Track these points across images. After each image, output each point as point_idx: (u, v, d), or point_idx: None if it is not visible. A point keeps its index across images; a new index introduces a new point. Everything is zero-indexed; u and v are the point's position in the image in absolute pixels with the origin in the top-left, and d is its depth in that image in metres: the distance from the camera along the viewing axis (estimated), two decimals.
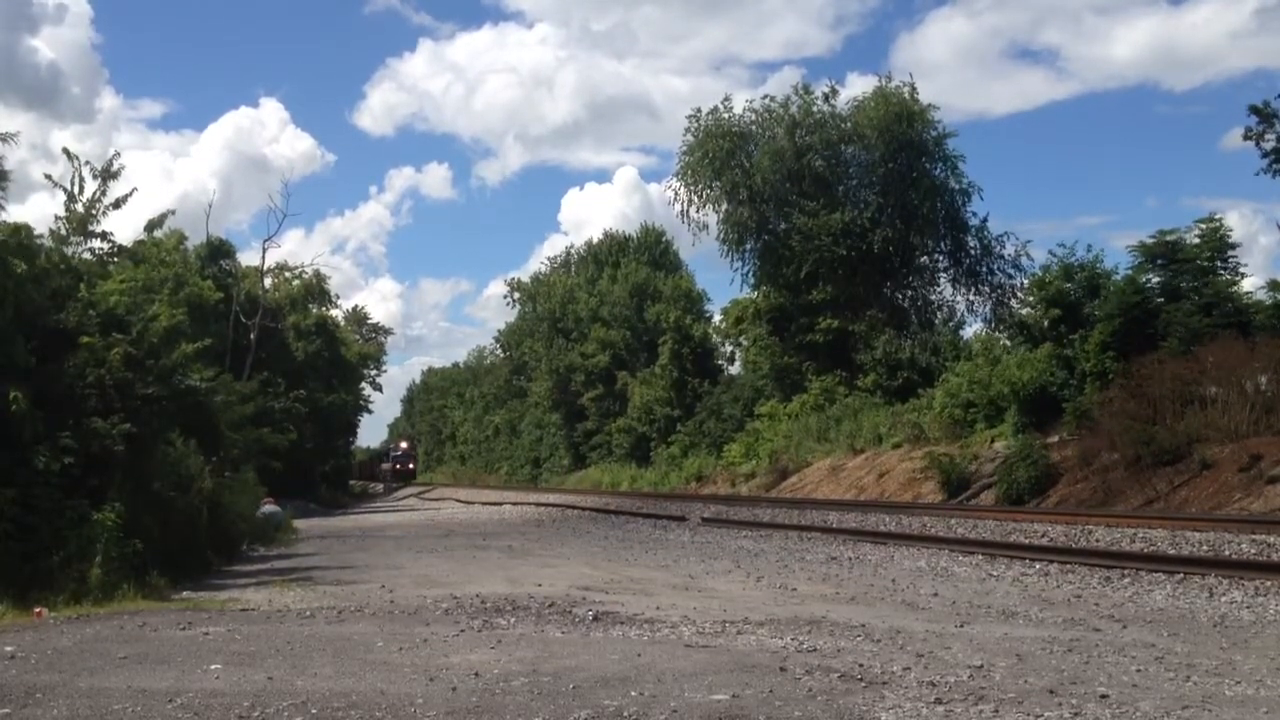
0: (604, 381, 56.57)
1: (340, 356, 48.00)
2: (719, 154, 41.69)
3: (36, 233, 11.75)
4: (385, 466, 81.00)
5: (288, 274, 45.04)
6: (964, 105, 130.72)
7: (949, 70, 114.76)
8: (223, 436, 14.87)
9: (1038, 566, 11.71)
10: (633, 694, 5.41)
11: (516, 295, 77.45)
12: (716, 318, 53.87)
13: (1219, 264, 23.40)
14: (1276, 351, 19.13)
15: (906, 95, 40.57)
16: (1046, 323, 25.32)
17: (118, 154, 13.23)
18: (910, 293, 42.30)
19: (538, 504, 32.81)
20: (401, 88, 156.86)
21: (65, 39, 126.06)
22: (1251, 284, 24.42)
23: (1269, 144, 24.17)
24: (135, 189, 12.99)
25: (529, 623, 8.16)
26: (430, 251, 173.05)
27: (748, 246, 42.04)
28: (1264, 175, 24.29)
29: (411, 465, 78.58)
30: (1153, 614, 8.45)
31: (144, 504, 11.83)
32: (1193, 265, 23.12)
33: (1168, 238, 23.60)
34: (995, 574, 11.50)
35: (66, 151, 12.87)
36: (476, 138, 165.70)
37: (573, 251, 73.09)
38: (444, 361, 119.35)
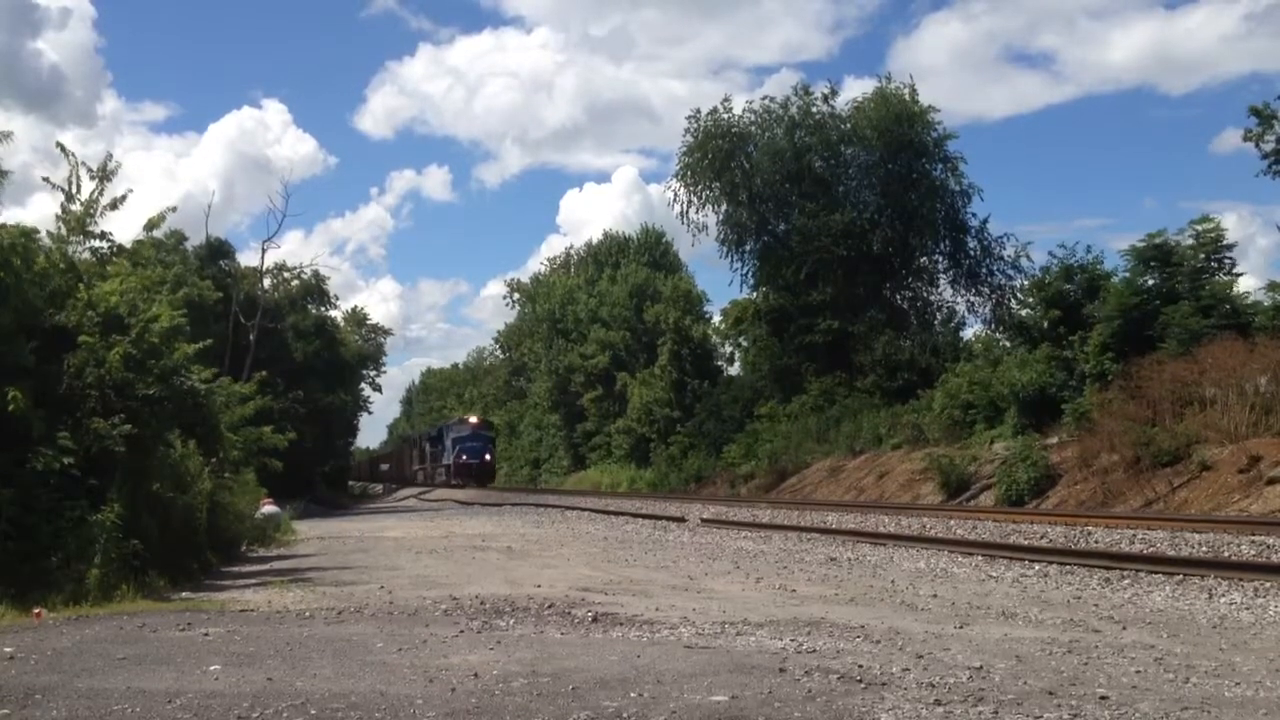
0: (603, 382, 56.54)
1: (340, 357, 47.97)
2: (718, 155, 41.65)
3: (36, 233, 11.75)
4: (428, 463, 59.04)
5: (287, 274, 45.07)
6: (961, 109, 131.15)
7: (946, 74, 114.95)
8: (222, 437, 14.83)
9: (1037, 568, 11.71)
10: (632, 695, 5.41)
11: (516, 296, 77.64)
12: (716, 318, 53.89)
13: (1213, 264, 23.43)
14: (1276, 353, 19.14)
15: (906, 96, 40.56)
16: (1046, 324, 25.35)
17: (110, 155, 13.20)
18: (910, 294, 42.30)
19: (537, 504, 32.79)
20: (402, 91, 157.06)
21: (67, 42, 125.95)
22: (1250, 285, 24.49)
23: (1268, 145, 24.19)
24: (131, 190, 12.97)
25: (528, 624, 8.16)
26: (430, 253, 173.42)
27: (747, 247, 42.06)
28: (1264, 176, 24.33)
29: (489, 456, 54.69)
30: (1152, 615, 8.46)
31: (144, 504, 11.81)
32: (1187, 267, 23.14)
33: (1157, 240, 23.64)
34: (994, 575, 11.50)
35: (60, 146, 12.82)
36: (476, 140, 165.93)
37: (572, 252, 73.31)
38: (443, 362, 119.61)
